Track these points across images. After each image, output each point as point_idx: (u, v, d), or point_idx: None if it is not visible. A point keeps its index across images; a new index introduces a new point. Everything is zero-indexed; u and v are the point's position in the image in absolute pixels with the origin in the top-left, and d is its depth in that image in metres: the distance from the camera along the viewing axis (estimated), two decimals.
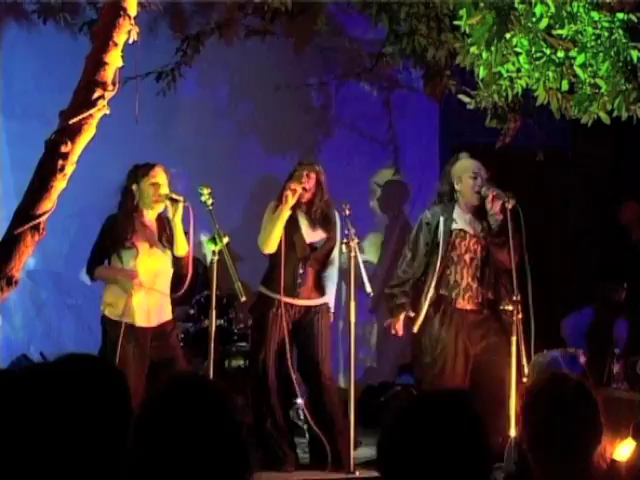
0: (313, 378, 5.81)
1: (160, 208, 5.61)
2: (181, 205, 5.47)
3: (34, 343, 7.11)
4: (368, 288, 5.69)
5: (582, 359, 3.67)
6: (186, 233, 5.56)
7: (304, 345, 5.84)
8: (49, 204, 4.37)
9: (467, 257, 5.77)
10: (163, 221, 5.64)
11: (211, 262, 5.47)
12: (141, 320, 5.49)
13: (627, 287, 6.97)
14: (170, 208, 5.52)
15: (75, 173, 4.47)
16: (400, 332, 5.82)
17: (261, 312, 5.84)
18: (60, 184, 4.40)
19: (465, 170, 5.81)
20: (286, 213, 5.74)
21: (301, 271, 5.80)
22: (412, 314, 5.76)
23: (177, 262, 5.61)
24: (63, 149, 4.37)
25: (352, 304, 5.65)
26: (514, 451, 4.64)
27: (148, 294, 5.51)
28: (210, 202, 5.45)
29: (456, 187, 5.83)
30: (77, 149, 4.43)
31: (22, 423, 1.68)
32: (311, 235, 5.90)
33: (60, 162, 4.37)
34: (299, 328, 5.83)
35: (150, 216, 5.62)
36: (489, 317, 5.73)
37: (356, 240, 5.66)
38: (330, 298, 5.91)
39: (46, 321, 7.28)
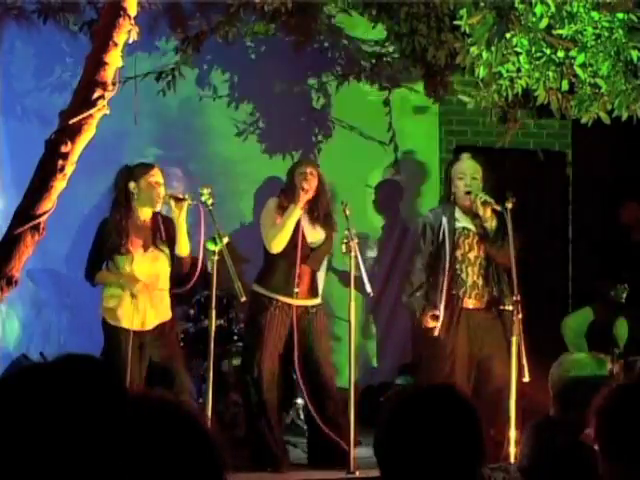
0: (316, 378, 5.81)
1: (158, 207, 5.57)
2: (186, 204, 5.44)
3: (34, 343, 7.10)
4: (368, 288, 5.69)
5: (609, 366, 3.63)
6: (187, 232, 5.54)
7: (304, 346, 5.83)
8: (49, 204, 4.36)
9: (471, 255, 5.76)
10: (158, 220, 5.59)
11: (211, 262, 5.46)
12: (138, 324, 5.49)
13: (627, 287, 6.96)
14: (174, 208, 5.47)
15: (75, 173, 4.47)
16: (432, 324, 5.65)
17: (256, 311, 5.83)
18: (60, 184, 4.39)
19: (456, 171, 5.80)
20: (298, 212, 5.74)
21: (298, 271, 5.79)
22: (437, 312, 5.66)
23: (178, 261, 5.58)
24: (63, 149, 4.36)
25: (352, 304, 5.65)
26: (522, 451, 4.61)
27: (147, 297, 5.50)
28: (210, 202, 5.44)
29: (452, 188, 5.84)
30: (77, 149, 4.42)
31: (18, 423, 1.68)
32: (312, 234, 5.89)
33: (60, 162, 4.35)
34: (298, 329, 5.81)
35: (145, 215, 5.57)
36: (494, 317, 5.71)
37: (356, 240, 5.66)
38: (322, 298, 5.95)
39: (46, 321, 7.27)
